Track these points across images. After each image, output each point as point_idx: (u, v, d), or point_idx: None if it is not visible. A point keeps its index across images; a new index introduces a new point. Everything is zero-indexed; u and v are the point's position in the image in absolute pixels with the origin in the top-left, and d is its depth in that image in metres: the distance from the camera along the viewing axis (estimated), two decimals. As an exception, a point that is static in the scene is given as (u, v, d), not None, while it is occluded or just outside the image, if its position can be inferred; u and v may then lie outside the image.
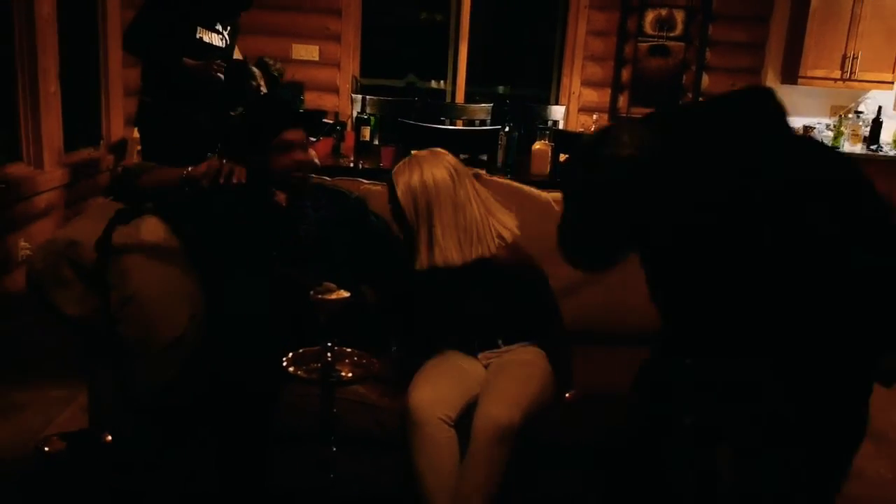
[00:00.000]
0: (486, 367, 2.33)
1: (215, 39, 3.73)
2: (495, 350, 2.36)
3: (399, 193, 2.20)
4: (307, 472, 1.85)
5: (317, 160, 2.52)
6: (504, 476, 2.04)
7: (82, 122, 4.72)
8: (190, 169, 2.24)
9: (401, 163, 2.26)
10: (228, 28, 3.82)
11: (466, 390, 2.19)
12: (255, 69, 4.09)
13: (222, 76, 3.63)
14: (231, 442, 2.03)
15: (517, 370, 2.26)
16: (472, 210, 2.22)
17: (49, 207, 4.11)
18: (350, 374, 1.73)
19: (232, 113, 3.85)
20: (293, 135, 2.39)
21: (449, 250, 2.18)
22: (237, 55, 4.20)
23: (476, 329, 2.35)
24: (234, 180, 2.22)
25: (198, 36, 3.66)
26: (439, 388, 2.16)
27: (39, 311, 2.13)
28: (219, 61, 3.64)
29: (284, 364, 1.70)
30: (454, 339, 2.36)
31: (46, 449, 1.87)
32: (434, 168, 2.20)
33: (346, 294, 1.72)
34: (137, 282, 2.09)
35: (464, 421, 2.13)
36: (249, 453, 2.06)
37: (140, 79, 3.84)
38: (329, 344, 1.68)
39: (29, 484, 2.39)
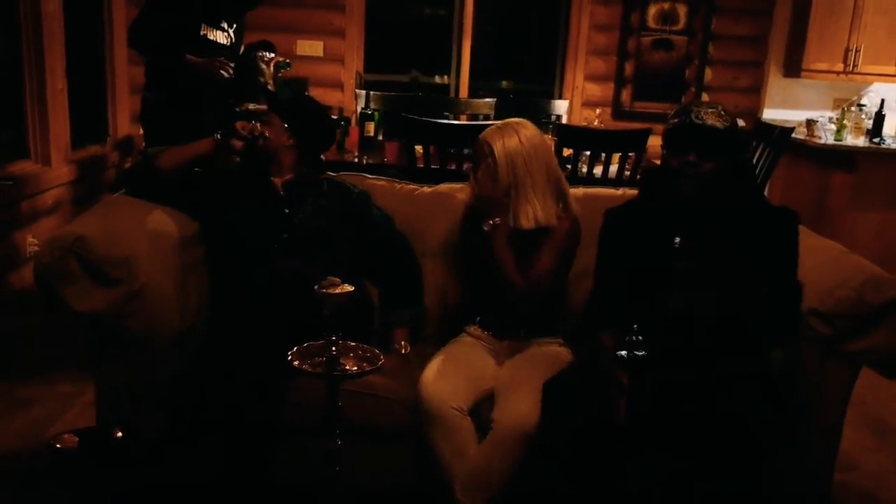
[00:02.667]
0: (502, 362, 2.36)
1: (220, 37, 3.74)
2: (517, 339, 2.40)
3: (499, 154, 2.32)
4: (313, 466, 1.87)
5: None
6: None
7: (89, 120, 4.74)
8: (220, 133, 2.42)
9: (493, 127, 2.40)
10: (234, 26, 3.82)
11: (479, 384, 2.23)
12: (263, 66, 4.10)
13: (226, 74, 3.63)
14: (236, 434, 2.05)
15: (541, 359, 2.29)
16: (558, 170, 2.42)
17: (56, 204, 4.14)
18: (355, 368, 1.75)
19: (237, 109, 3.86)
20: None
21: (537, 209, 2.32)
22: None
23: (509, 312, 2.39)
24: (267, 134, 2.47)
25: (202, 33, 3.66)
26: (452, 380, 2.19)
27: (48, 307, 2.15)
28: (222, 59, 3.64)
29: (290, 358, 1.72)
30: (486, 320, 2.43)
31: (58, 446, 1.88)
32: (528, 131, 2.37)
33: (350, 288, 1.74)
34: (145, 276, 2.11)
35: (475, 414, 2.17)
36: (254, 446, 2.08)
37: (144, 75, 3.85)
38: (334, 338, 1.70)
39: (40, 480, 2.42)
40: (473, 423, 2.15)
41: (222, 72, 3.59)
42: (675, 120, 2.12)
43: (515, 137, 2.33)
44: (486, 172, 2.33)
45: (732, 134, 2.09)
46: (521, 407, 2.10)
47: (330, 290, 1.71)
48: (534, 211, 2.32)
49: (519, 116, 2.44)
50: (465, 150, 3.69)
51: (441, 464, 2.12)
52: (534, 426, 2.07)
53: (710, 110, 2.08)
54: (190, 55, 3.57)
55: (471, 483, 2.09)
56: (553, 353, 2.36)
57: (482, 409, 2.18)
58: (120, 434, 1.91)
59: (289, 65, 3.86)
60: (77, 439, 1.87)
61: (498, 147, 2.31)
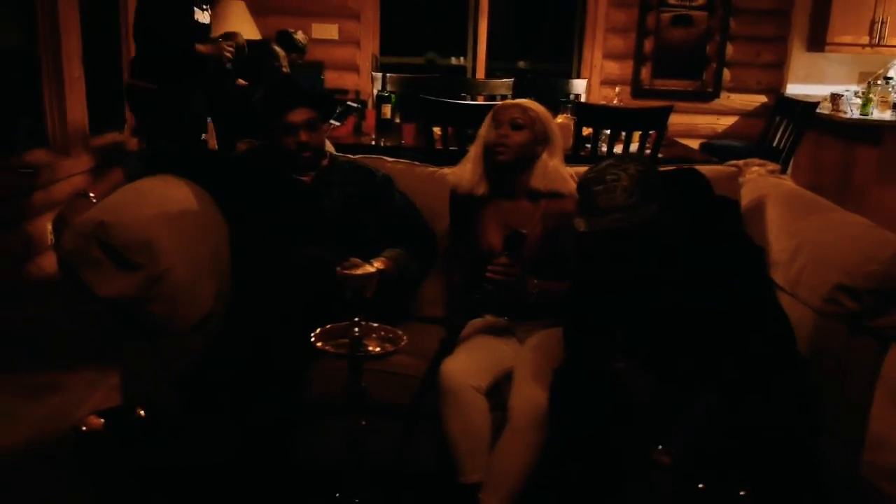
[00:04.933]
0: (524, 340, 2.35)
1: (206, 17, 3.76)
2: (533, 322, 2.37)
3: (534, 108, 2.45)
4: (337, 446, 1.87)
5: (330, 147, 2.57)
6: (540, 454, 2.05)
7: (106, 107, 4.76)
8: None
9: (507, 101, 2.54)
10: (210, 1, 3.85)
11: (498, 363, 2.22)
12: (278, 49, 4.09)
13: (229, 55, 3.65)
14: (255, 417, 2.05)
15: (552, 340, 2.26)
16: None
17: (76, 192, 4.15)
18: (378, 349, 1.74)
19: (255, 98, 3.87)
20: (296, 116, 2.42)
21: (563, 170, 2.46)
22: (254, 34, 4.20)
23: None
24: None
25: (195, 18, 3.69)
26: (471, 358, 2.19)
27: (71, 293, 2.16)
28: (221, 41, 3.68)
29: (313, 339, 1.72)
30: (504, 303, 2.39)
31: (84, 429, 1.89)
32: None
33: (372, 269, 1.73)
34: (167, 261, 2.11)
35: (494, 393, 2.16)
36: (274, 428, 2.09)
37: (131, 64, 3.86)
38: (356, 319, 1.70)
39: (67, 464, 2.44)
40: (490, 403, 2.14)
41: (226, 53, 3.62)
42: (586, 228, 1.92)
43: (535, 104, 2.47)
44: (522, 131, 2.39)
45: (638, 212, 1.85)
46: (535, 393, 2.08)
47: (352, 272, 1.71)
48: (562, 171, 2.44)
49: (537, 96, 2.50)
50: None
51: (450, 440, 2.11)
52: (547, 411, 2.05)
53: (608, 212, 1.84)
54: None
55: (492, 480, 2.07)
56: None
57: (502, 388, 2.17)
58: (143, 413, 1.92)
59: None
60: (102, 421, 1.88)
61: (526, 104, 2.43)
